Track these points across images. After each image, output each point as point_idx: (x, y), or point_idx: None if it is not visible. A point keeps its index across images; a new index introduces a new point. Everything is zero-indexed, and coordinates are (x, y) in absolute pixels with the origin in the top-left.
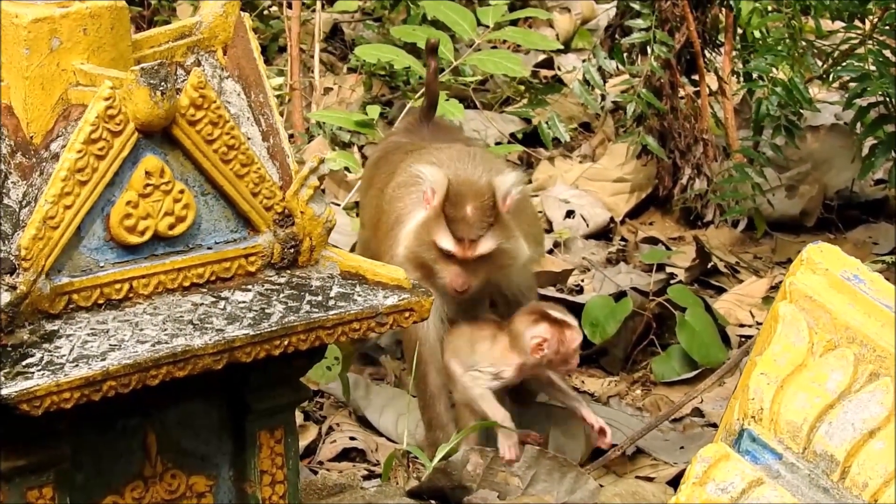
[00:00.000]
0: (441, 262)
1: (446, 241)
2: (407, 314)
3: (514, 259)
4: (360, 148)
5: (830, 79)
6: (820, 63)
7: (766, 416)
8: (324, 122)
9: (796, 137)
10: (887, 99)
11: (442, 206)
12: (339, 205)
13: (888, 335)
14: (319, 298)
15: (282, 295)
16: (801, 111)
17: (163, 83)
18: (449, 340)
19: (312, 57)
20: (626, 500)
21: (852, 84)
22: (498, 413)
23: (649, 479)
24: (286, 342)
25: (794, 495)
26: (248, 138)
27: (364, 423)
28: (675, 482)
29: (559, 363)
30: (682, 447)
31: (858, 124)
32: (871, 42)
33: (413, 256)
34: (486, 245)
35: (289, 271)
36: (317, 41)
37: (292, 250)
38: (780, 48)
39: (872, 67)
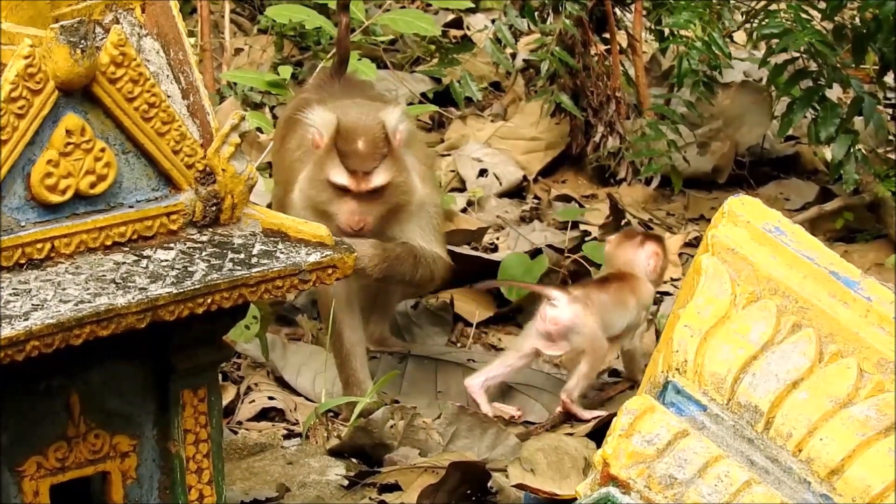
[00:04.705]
0: (336, 201)
1: (340, 176)
2: (330, 271)
3: (406, 195)
4: (272, 109)
5: (753, 38)
6: (735, 20)
7: (690, 369)
8: (235, 83)
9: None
10: (811, 52)
11: (333, 142)
12: None
13: (810, 286)
14: (242, 256)
15: (204, 253)
16: (720, 67)
17: (83, 41)
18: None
19: (223, 17)
20: (549, 454)
21: (775, 41)
22: None
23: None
24: (209, 300)
25: (720, 446)
26: (168, 96)
27: (282, 383)
28: (594, 435)
29: (661, 274)
30: (602, 404)
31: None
32: None
33: (307, 199)
34: (379, 177)
35: (211, 229)
36: (227, 2)
37: (214, 208)
38: (695, 5)
39: (792, 23)
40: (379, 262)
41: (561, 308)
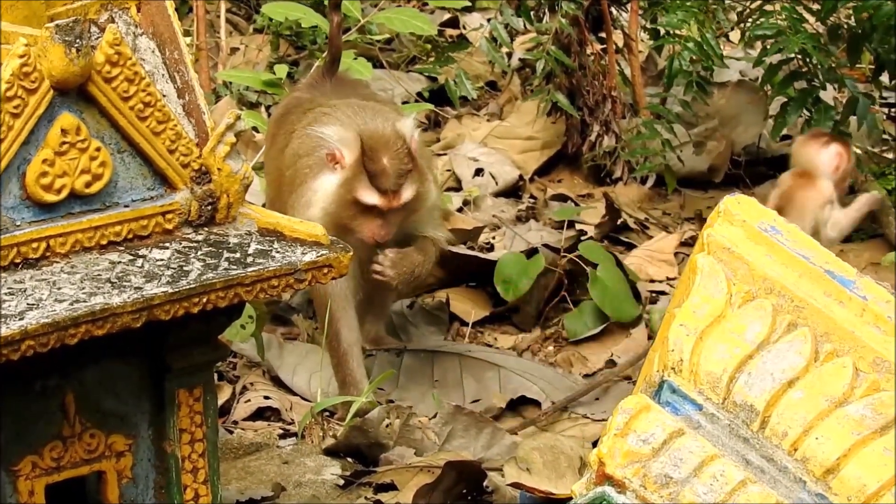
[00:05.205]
0: (361, 217)
1: (371, 197)
2: (326, 270)
3: (426, 201)
4: (268, 108)
5: (746, 38)
6: (730, 20)
7: (685, 368)
8: (231, 83)
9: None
10: (804, 56)
11: (360, 162)
12: None
13: (806, 285)
14: (237, 255)
15: (200, 252)
16: (713, 67)
17: (78, 40)
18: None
19: (218, 17)
20: (545, 453)
21: (769, 43)
22: None
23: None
24: (205, 300)
25: (715, 445)
26: (164, 95)
27: (277, 382)
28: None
29: (843, 180)
30: (597, 398)
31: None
32: None
33: (329, 217)
34: (407, 193)
35: (206, 229)
36: (222, 1)
37: (210, 207)
38: (689, 4)
39: (786, 24)
40: (428, 265)
41: None
